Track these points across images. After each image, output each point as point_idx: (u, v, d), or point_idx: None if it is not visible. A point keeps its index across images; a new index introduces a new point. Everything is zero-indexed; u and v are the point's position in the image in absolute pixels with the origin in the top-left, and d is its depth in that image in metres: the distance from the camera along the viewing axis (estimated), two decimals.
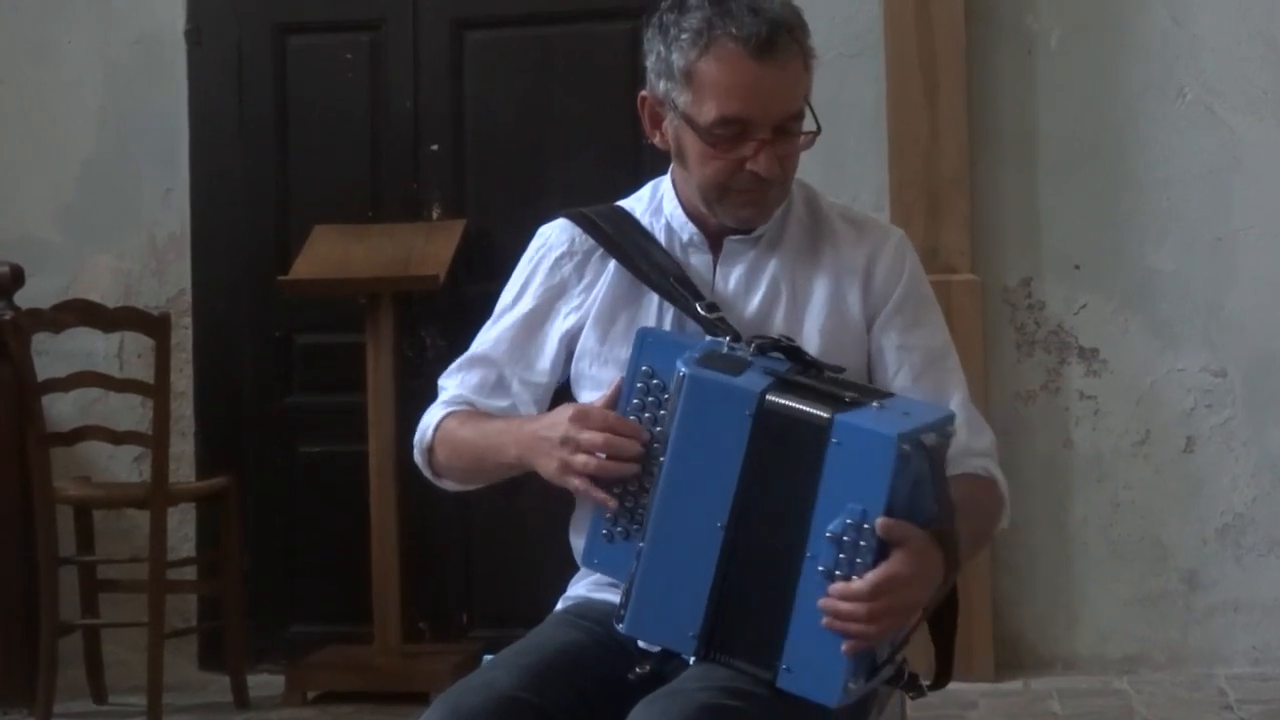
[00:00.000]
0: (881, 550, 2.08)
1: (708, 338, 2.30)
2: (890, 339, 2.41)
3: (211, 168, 5.80)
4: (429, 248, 5.38)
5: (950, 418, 2.20)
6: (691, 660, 2.25)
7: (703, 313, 2.35)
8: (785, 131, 2.34)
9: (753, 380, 2.16)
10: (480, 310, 2.62)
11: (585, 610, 2.40)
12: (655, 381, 2.21)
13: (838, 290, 2.42)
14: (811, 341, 2.37)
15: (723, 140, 2.32)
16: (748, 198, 2.36)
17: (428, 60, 5.71)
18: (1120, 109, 5.30)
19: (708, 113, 2.31)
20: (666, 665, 2.26)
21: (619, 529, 2.24)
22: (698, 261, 2.45)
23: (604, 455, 2.21)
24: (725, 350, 2.23)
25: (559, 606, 2.48)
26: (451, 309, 5.41)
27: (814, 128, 2.36)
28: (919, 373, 2.40)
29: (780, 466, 2.13)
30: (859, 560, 2.08)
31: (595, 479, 2.22)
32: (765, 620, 2.15)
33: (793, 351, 2.25)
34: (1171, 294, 5.26)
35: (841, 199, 5.48)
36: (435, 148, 5.69)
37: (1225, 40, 5.24)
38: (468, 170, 5.69)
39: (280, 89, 5.78)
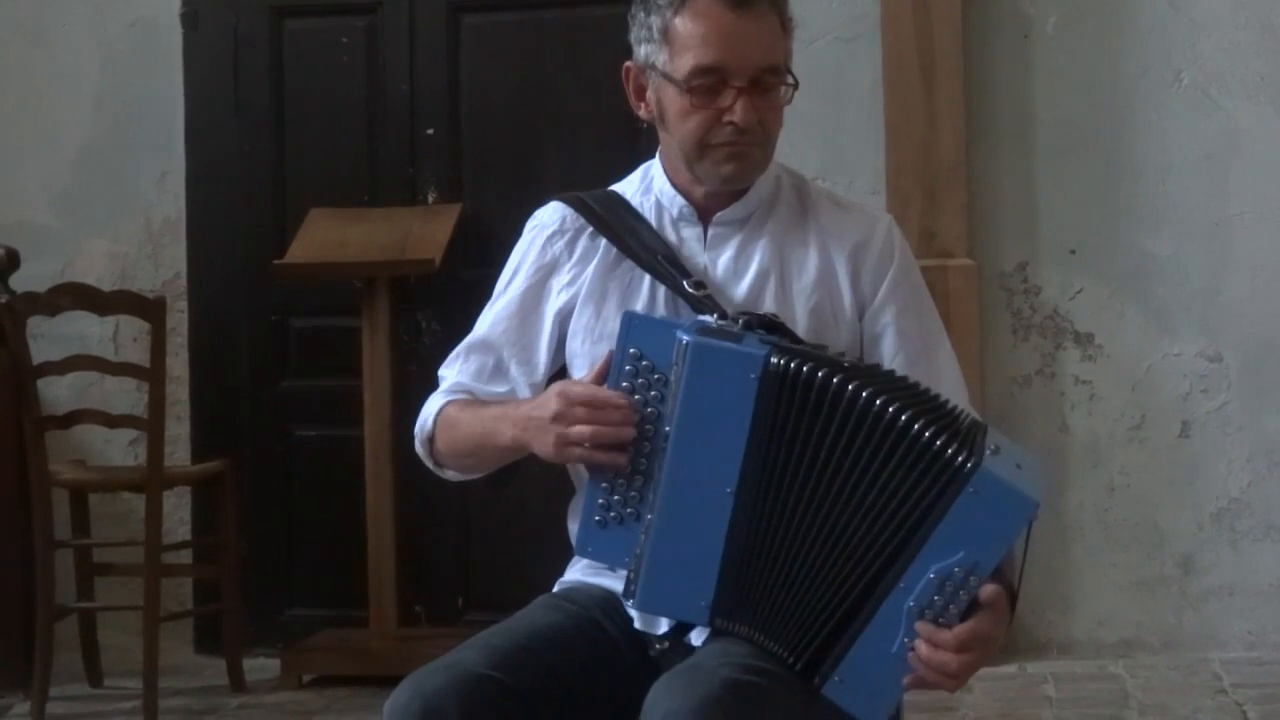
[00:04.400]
0: (973, 605, 2.11)
1: (695, 315, 2.31)
2: (885, 325, 2.42)
3: (207, 152, 5.79)
4: (425, 231, 5.37)
5: (1043, 467, 2.23)
6: (693, 638, 2.26)
7: (690, 290, 2.36)
8: (763, 86, 2.36)
9: (752, 345, 2.17)
10: (477, 294, 2.62)
11: (572, 593, 2.41)
12: (644, 363, 2.21)
13: (826, 273, 2.43)
14: (801, 323, 2.38)
15: (700, 91, 2.35)
16: (728, 151, 2.37)
17: (424, 44, 5.70)
18: (1117, 94, 5.30)
19: (685, 65, 2.35)
20: (680, 642, 2.27)
21: (613, 514, 2.23)
22: (689, 234, 2.45)
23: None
24: (715, 324, 2.24)
25: (554, 590, 2.48)
26: (448, 293, 5.41)
27: (792, 84, 2.39)
28: (914, 360, 2.40)
29: (797, 433, 2.13)
30: (952, 608, 2.10)
31: (593, 449, 2.22)
32: (793, 599, 2.15)
33: (777, 327, 2.27)
34: (1168, 279, 5.27)
35: (838, 184, 5.51)
36: (431, 131, 5.68)
37: (1222, 25, 5.24)
38: (464, 154, 5.69)
39: (276, 73, 5.78)
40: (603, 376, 2.25)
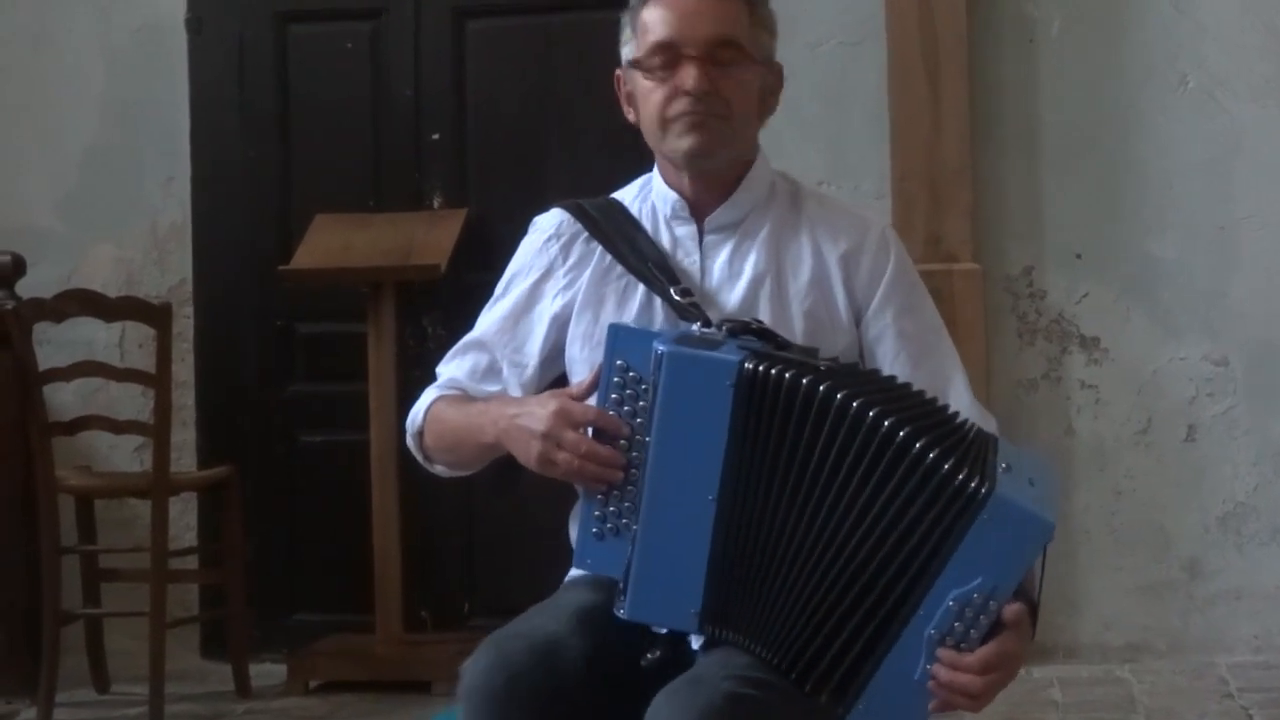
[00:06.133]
0: (995, 626, 2.10)
1: (681, 323, 2.34)
2: (886, 327, 2.43)
3: (213, 157, 5.80)
4: (430, 237, 5.37)
5: (1058, 474, 2.23)
6: (694, 641, 2.26)
7: (676, 298, 2.38)
8: (720, 59, 2.40)
9: (730, 352, 2.19)
10: (482, 298, 2.64)
11: (594, 580, 2.40)
12: (631, 374, 2.22)
13: (820, 277, 2.44)
14: (796, 326, 2.39)
15: (658, 69, 2.42)
16: (686, 122, 2.40)
17: (429, 49, 5.70)
18: (1122, 97, 5.30)
19: (645, 46, 2.43)
20: (678, 649, 2.26)
21: (609, 526, 2.24)
22: (683, 233, 2.48)
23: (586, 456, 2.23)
24: (697, 333, 2.27)
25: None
26: (453, 298, 5.41)
27: (759, 63, 2.44)
28: (917, 359, 2.41)
29: (782, 439, 2.13)
30: (973, 632, 2.09)
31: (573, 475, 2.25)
32: (786, 607, 2.14)
33: (764, 333, 2.27)
34: (1173, 283, 5.26)
35: (843, 188, 5.49)
36: (437, 136, 5.69)
37: (1227, 28, 5.24)
38: (469, 159, 5.69)
39: (281, 78, 5.78)
40: (593, 389, 2.27)
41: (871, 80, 5.30)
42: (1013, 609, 2.10)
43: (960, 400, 2.38)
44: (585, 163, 5.44)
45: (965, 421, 2.20)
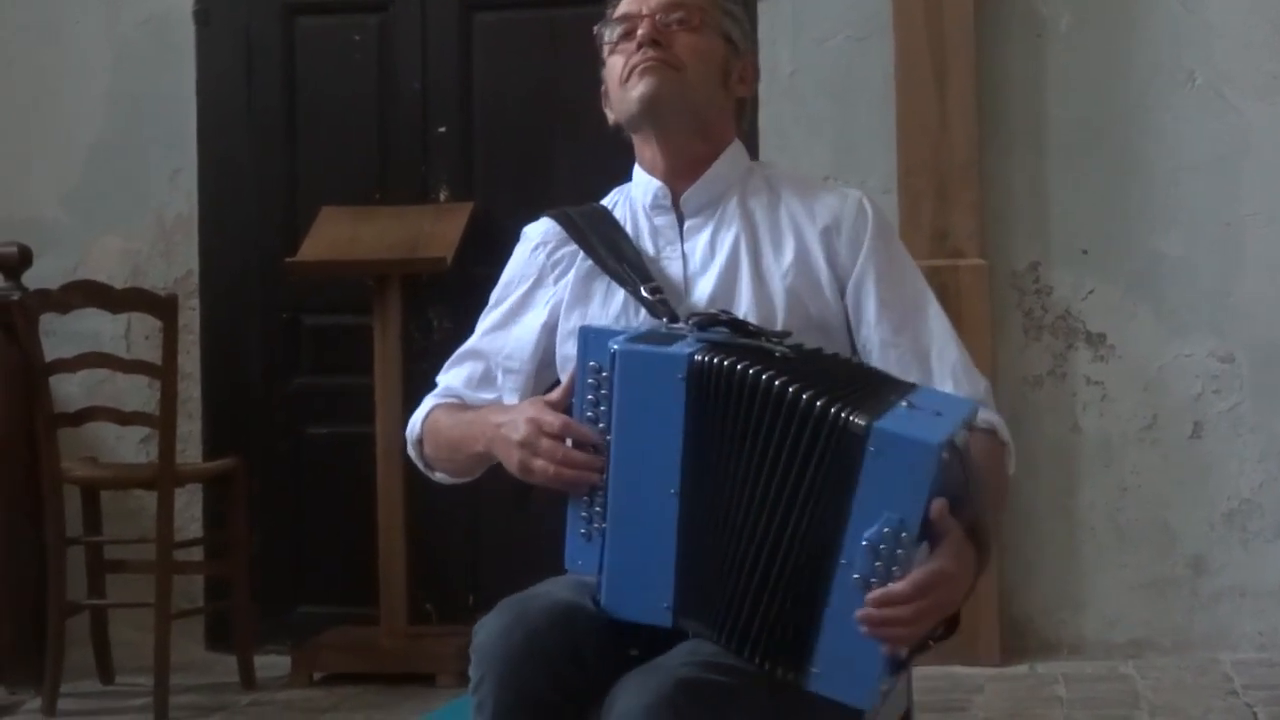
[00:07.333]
0: (917, 556, 2.09)
1: (653, 321, 2.37)
2: (866, 295, 2.44)
3: (219, 149, 5.80)
4: (436, 229, 5.38)
5: (975, 409, 2.23)
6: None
7: (646, 295, 2.41)
8: (670, 22, 2.49)
9: (684, 346, 2.20)
10: (487, 292, 2.66)
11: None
12: (604, 374, 2.24)
13: (803, 255, 2.46)
14: (778, 303, 2.41)
15: (619, 40, 2.51)
16: (639, 70, 2.47)
17: (436, 42, 5.71)
18: (1130, 94, 5.29)
19: (610, 25, 2.53)
20: (670, 637, 2.27)
21: (595, 526, 2.26)
22: (662, 222, 2.52)
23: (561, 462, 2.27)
24: (663, 329, 2.29)
25: None
26: (459, 291, 5.40)
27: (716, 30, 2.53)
28: (899, 326, 2.43)
29: (726, 428, 2.14)
30: (895, 569, 2.08)
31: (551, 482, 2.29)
32: (745, 595, 2.15)
33: (734, 324, 2.29)
34: (1179, 280, 5.26)
35: (850, 183, 5.49)
36: (443, 130, 5.69)
37: (1235, 25, 5.23)
38: (476, 152, 5.70)
39: (288, 70, 5.79)
40: (569, 396, 2.29)
41: (878, 76, 5.30)
42: (938, 507, 2.08)
43: (945, 365, 2.41)
44: (591, 156, 5.39)
45: (887, 378, 2.24)
